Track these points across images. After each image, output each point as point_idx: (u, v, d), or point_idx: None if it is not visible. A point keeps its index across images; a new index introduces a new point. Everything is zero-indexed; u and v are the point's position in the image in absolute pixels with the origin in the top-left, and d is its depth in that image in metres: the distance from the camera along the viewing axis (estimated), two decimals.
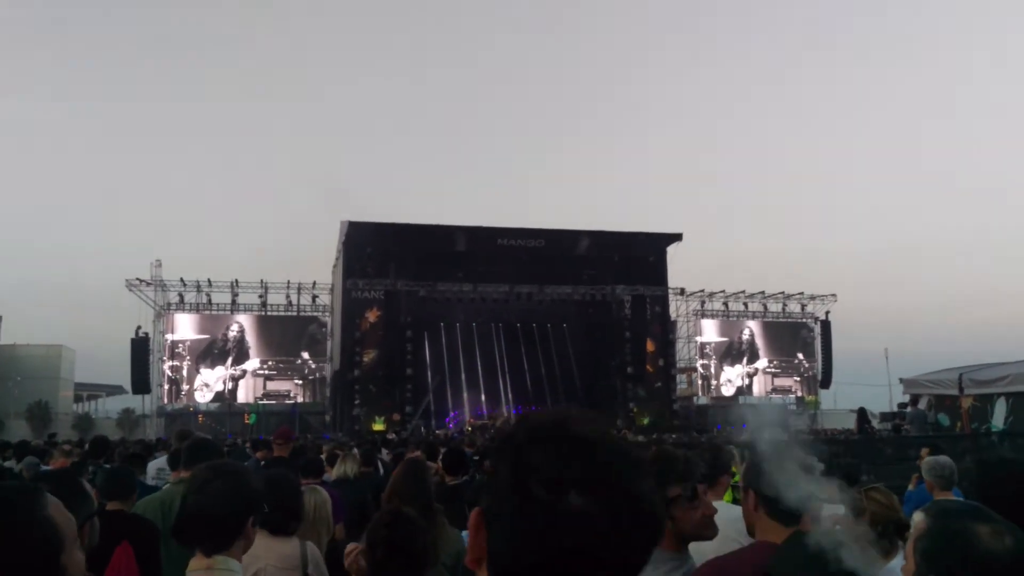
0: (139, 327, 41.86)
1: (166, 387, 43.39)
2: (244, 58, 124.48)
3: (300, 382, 45.32)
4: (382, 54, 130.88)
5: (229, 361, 44.14)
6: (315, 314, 46.17)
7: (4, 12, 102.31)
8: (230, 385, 44.06)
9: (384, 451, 13.14)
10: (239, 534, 2.46)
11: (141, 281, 42.32)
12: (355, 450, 9.79)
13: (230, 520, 2.46)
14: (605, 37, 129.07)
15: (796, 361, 51.75)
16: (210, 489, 2.52)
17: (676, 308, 48.88)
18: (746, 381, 50.94)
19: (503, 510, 0.99)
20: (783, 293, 50.95)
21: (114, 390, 60.29)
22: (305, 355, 45.48)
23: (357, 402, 40.49)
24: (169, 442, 12.22)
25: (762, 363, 51.10)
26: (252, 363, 44.46)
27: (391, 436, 26.89)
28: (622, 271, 45.21)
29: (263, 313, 45.07)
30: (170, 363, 43.39)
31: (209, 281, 43.72)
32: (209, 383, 43.72)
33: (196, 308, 43.98)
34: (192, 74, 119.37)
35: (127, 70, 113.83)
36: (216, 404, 44.21)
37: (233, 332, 44.39)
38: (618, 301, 45.25)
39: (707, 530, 2.76)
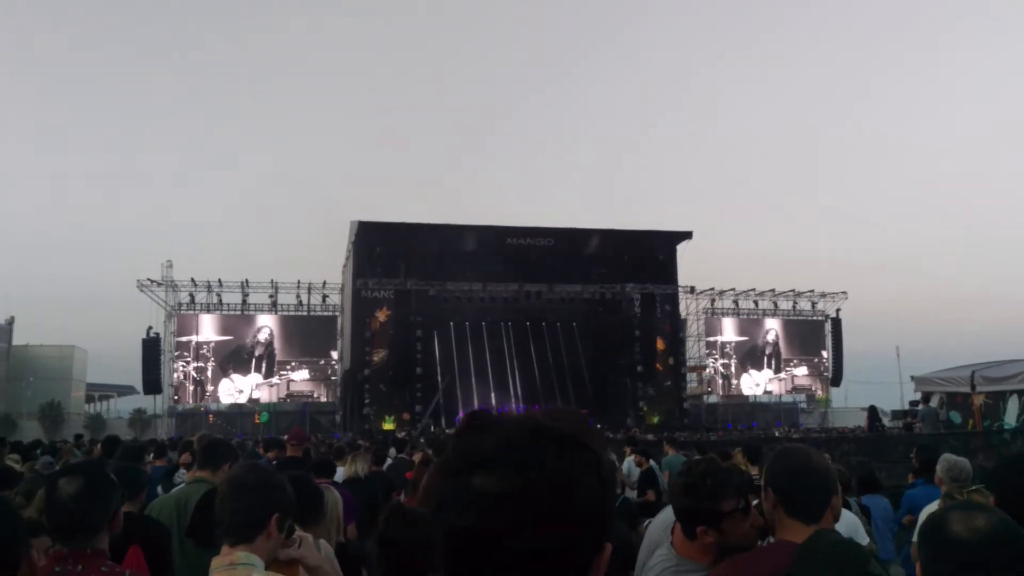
0: (150, 327, 42.10)
1: (191, 388, 43.59)
2: (249, 58, 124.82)
3: (324, 382, 45.44)
4: (390, 55, 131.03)
5: (263, 367, 44.32)
6: (339, 314, 46.33)
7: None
8: (256, 386, 44.29)
9: (392, 450, 13.14)
10: (262, 528, 2.49)
11: (152, 282, 42.56)
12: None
13: (252, 513, 2.49)
14: (614, 37, 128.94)
15: (817, 360, 51.63)
16: (240, 482, 2.56)
17: (686, 306, 48.85)
18: (768, 380, 50.81)
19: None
20: (793, 291, 50.85)
21: (126, 390, 60.60)
22: (334, 355, 45.78)
23: (367, 401, 40.56)
24: (180, 441, 12.28)
25: (784, 361, 50.95)
26: (287, 373, 44.62)
27: (401, 435, 26.95)
28: (632, 269, 45.15)
29: (293, 313, 45.31)
30: (195, 364, 43.61)
31: (220, 281, 43.91)
32: (244, 389, 43.91)
33: (207, 308, 44.16)
34: (198, 75, 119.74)
35: (135, 71, 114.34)
36: (227, 404, 44.40)
37: (263, 336, 44.53)
38: (628, 299, 45.16)
39: (751, 541, 2.73)
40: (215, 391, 43.73)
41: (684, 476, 2.86)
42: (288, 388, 44.75)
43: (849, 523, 4.06)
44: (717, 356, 49.99)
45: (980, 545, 1.65)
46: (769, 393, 51.03)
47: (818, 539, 2.30)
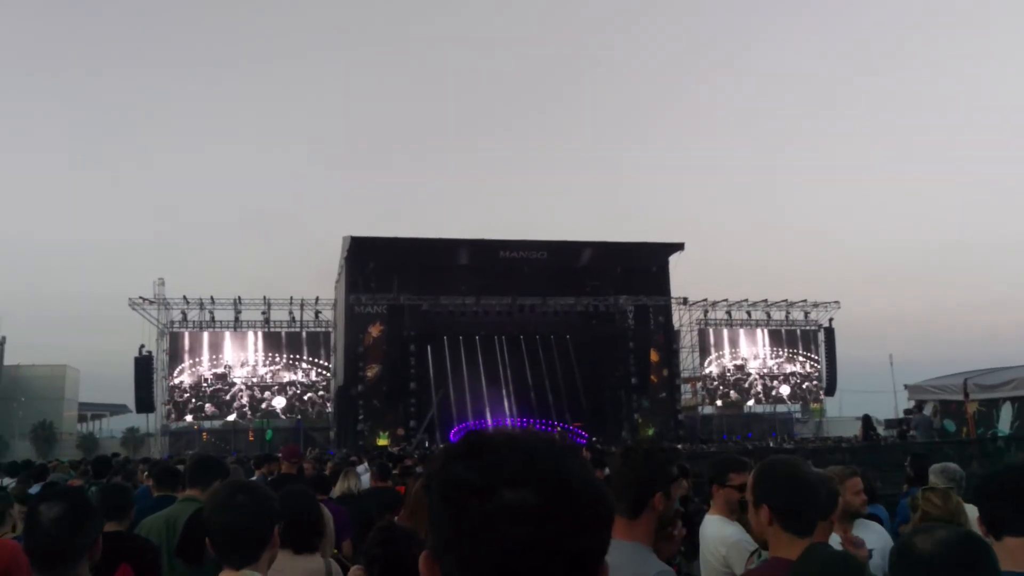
0: (142, 346, 41.90)
1: (189, 405, 43.45)
2: (237, 73, 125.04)
3: (318, 398, 45.32)
4: (380, 68, 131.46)
5: (254, 379, 44.26)
6: (332, 330, 46.22)
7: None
8: (250, 399, 44.13)
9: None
10: (267, 544, 2.47)
11: (144, 300, 42.38)
12: (364, 465, 9.77)
13: (258, 532, 2.47)
14: (604, 48, 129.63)
15: (811, 369, 51.58)
16: (234, 504, 2.51)
17: (679, 318, 48.86)
18: (759, 387, 50.71)
19: (445, 535, 0.97)
20: (786, 301, 50.95)
21: (118, 409, 60.18)
22: (328, 370, 45.62)
23: (361, 417, 40.41)
24: (173, 460, 12.20)
25: (781, 371, 50.94)
26: (278, 378, 44.59)
27: (393, 450, 26.78)
28: (625, 282, 45.21)
29: (286, 330, 45.20)
30: (190, 382, 43.51)
31: (212, 299, 43.77)
32: (240, 400, 43.76)
33: (200, 326, 43.99)
34: (195, 93, 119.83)
35: (126, 88, 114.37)
36: (220, 422, 44.18)
37: (258, 350, 44.43)
38: (621, 312, 45.20)
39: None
40: (213, 408, 43.62)
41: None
42: (285, 404, 44.61)
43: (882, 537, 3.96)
44: (712, 368, 49.94)
45: (939, 552, 1.83)
46: (763, 403, 50.99)
47: (813, 553, 2.28)
